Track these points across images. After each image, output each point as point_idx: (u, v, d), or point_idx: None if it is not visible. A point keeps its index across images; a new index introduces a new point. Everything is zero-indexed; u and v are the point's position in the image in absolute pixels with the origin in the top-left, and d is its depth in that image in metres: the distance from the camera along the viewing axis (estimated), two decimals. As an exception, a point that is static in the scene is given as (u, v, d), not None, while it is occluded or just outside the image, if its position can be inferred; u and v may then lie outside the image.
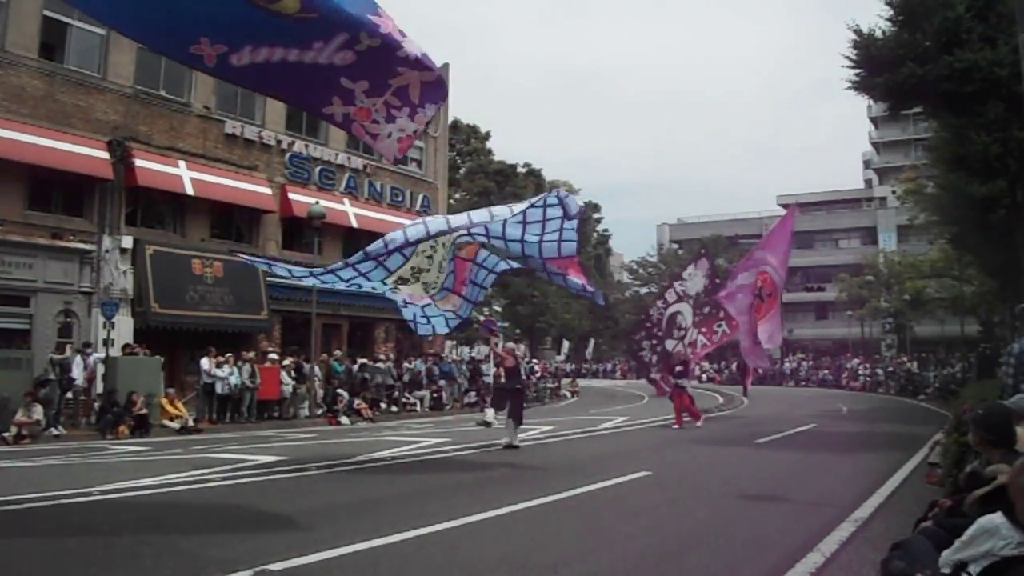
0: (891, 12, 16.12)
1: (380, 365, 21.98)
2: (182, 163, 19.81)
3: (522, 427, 12.54)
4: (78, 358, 15.82)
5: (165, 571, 4.64)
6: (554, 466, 10.19)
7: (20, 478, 8.86)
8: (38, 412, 13.91)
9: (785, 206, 50.95)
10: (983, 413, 4.17)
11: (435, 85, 6.59)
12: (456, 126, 40.57)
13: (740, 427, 16.60)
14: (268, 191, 21.89)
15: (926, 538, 3.51)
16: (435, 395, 23.35)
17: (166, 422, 15.75)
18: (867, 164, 70.10)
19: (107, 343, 16.40)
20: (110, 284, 18.01)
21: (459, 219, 9.71)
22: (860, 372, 38.07)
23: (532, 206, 9.69)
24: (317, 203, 20.59)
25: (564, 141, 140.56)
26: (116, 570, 4.74)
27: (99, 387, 16.15)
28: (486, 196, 40.15)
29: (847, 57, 16.54)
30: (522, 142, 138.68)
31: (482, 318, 30.44)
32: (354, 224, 23.87)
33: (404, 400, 22.51)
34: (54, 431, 14.37)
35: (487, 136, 46.06)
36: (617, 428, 16.19)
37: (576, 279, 10.69)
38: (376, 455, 10.74)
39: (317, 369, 19.69)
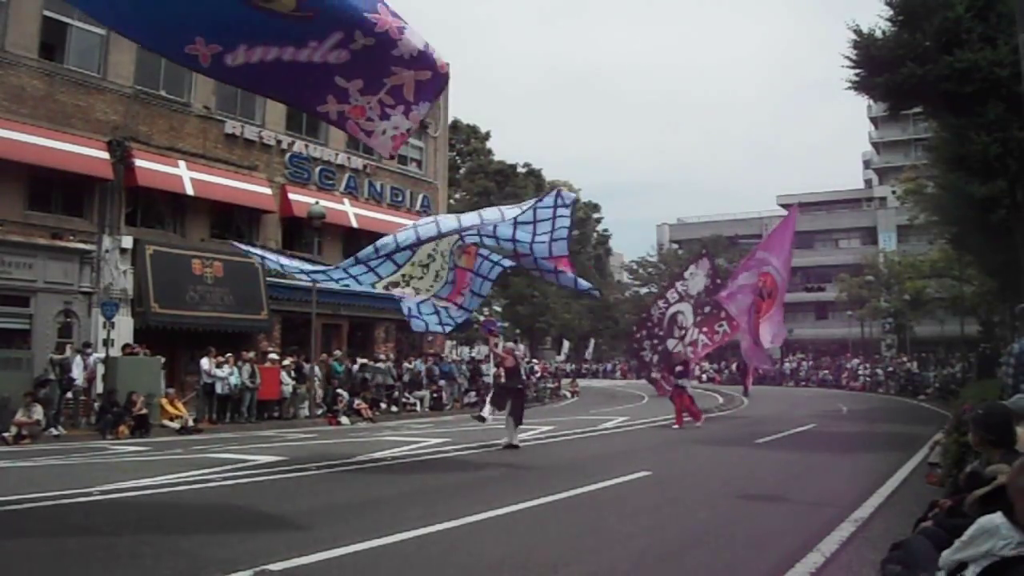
0: (891, 12, 16.13)
1: (380, 365, 21.98)
2: (182, 163, 19.80)
3: (522, 427, 12.54)
4: (78, 358, 15.82)
5: (165, 571, 4.64)
6: (554, 466, 10.19)
7: (20, 478, 8.86)
8: (38, 412, 13.91)
9: (785, 206, 50.99)
10: (983, 413, 4.17)
11: (430, 82, 6.60)
12: (456, 126, 40.56)
13: (740, 427, 16.60)
14: (268, 191, 21.89)
15: (926, 538, 3.51)
16: (435, 395, 23.34)
17: (166, 422, 15.75)
18: (867, 164, 70.10)
19: (107, 343, 16.40)
20: (110, 284, 18.00)
21: (449, 223, 9.67)
22: (860, 372, 38.07)
23: (524, 211, 9.74)
24: (317, 203, 20.60)
25: (564, 141, 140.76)
26: (116, 570, 4.73)
27: (99, 387, 16.15)
28: (486, 196, 40.15)
29: (847, 57, 16.55)
30: (522, 142, 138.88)
31: (482, 318, 30.44)
32: (354, 224, 23.87)
33: (404, 400, 22.51)
34: (54, 431, 14.37)
35: (487, 136, 46.07)
36: (617, 428, 16.19)
37: (568, 274, 10.74)
38: (376, 455, 10.74)
39: (317, 369, 19.69)
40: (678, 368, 17.32)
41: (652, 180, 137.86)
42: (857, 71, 16.60)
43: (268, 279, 21.02)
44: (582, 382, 38.63)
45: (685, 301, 20.26)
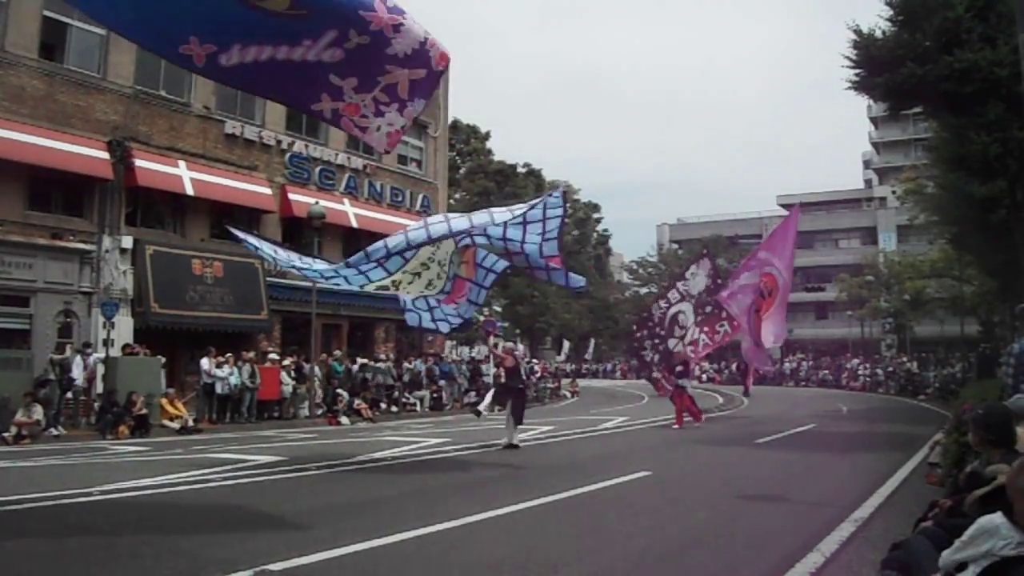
0: (891, 12, 16.13)
1: (380, 365, 21.98)
2: (182, 163, 19.80)
3: (522, 427, 12.54)
4: (78, 358, 15.82)
5: (165, 571, 4.64)
6: (554, 466, 10.19)
7: (20, 478, 8.87)
8: (38, 412, 13.91)
9: (785, 206, 51.01)
10: (983, 413, 4.17)
11: (425, 80, 6.61)
12: (456, 126, 40.54)
13: (740, 427, 16.60)
14: (268, 191, 21.89)
15: (926, 538, 3.51)
16: (435, 395, 23.34)
17: (166, 422, 15.74)
18: (867, 164, 70.10)
19: (107, 343, 16.41)
20: (110, 284, 18.00)
21: (439, 228, 9.64)
22: (860, 372, 38.07)
23: (514, 216, 9.75)
24: (317, 203, 20.60)
25: (564, 141, 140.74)
26: (116, 570, 4.73)
27: (99, 387, 16.15)
28: (486, 196, 40.12)
29: (847, 57, 16.56)
30: (522, 142, 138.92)
31: (482, 318, 30.44)
32: (354, 224, 23.86)
33: (404, 400, 22.51)
34: (54, 431, 14.37)
35: (487, 136, 46.05)
36: (617, 428, 16.19)
37: (559, 271, 10.80)
38: (376, 455, 10.74)
39: (317, 369, 19.69)
40: (678, 368, 17.32)
41: (652, 180, 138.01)
42: (857, 71, 16.60)
43: (268, 279, 21.04)
44: (582, 382, 38.63)
45: (686, 301, 20.26)
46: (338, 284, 10.66)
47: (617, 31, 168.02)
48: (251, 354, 18.74)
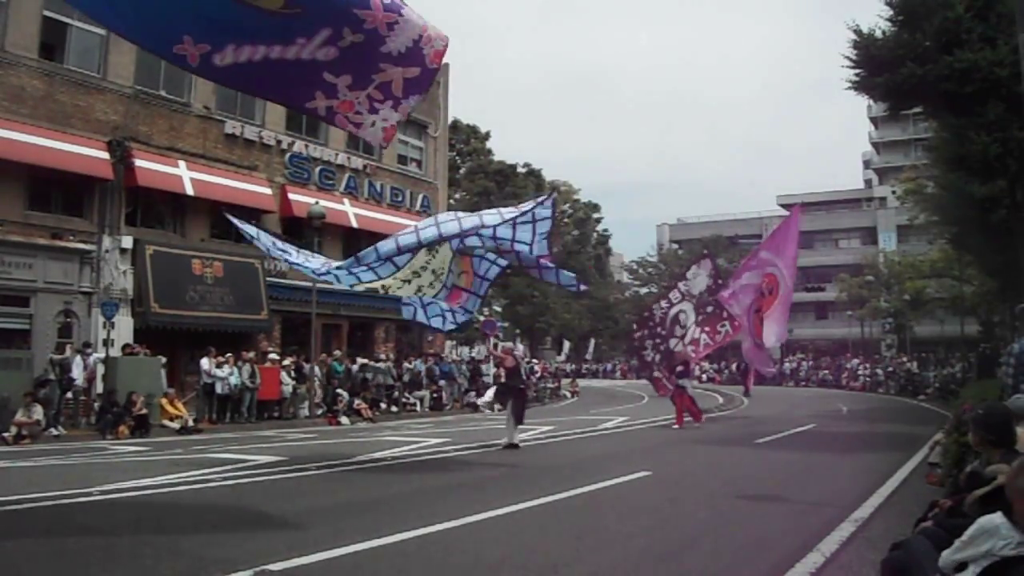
0: (891, 12, 16.14)
1: (380, 365, 21.98)
2: (182, 163, 19.80)
3: (522, 427, 12.54)
4: (78, 358, 15.82)
5: (165, 571, 4.64)
6: (554, 466, 10.19)
7: (20, 478, 8.87)
8: (38, 412, 13.90)
9: (785, 206, 51.00)
10: (983, 413, 4.17)
11: (419, 79, 6.62)
12: (456, 126, 40.53)
13: (740, 427, 16.61)
14: (268, 191, 21.88)
15: (926, 538, 3.50)
16: (435, 395, 23.33)
17: (166, 422, 15.74)
18: (867, 164, 70.11)
19: (107, 343, 16.40)
20: (110, 284, 18.00)
21: (428, 232, 9.62)
22: (860, 372, 38.07)
23: (505, 221, 9.75)
24: (317, 203, 20.59)
25: (564, 141, 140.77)
26: (116, 570, 4.74)
27: (99, 387, 16.15)
28: (486, 196, 40.13)
29: (847, 57, 16.57)
30: (522, 142, 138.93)
31: (482, 318, 30.44)
32: (354, 224, 23.86)
33: (404, 400, 22.50)
34: (54, 431, 14.37)
35: (487, 136, 46.03)
36: (617, 428, 16.19)
37: (551, 268, 10.84)
38: (376, 455, 10.74)
39: (317, 369, 19.69)
40: (679, 368, 17.32)
41: (652, 180, 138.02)
42: (857, 71, 16.61)
43: (268, 279, 21.05)
44: (582, 382, 38.62)
45: (687, 300, 20.28)
46: (328, 281, 10.70)
47: (617, 31, 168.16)
48: (251, 354, 18.74)
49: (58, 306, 17.31)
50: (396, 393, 22.25)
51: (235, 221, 11.59)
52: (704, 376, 41.08)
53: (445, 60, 6.61)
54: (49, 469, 9.81)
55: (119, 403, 14.97)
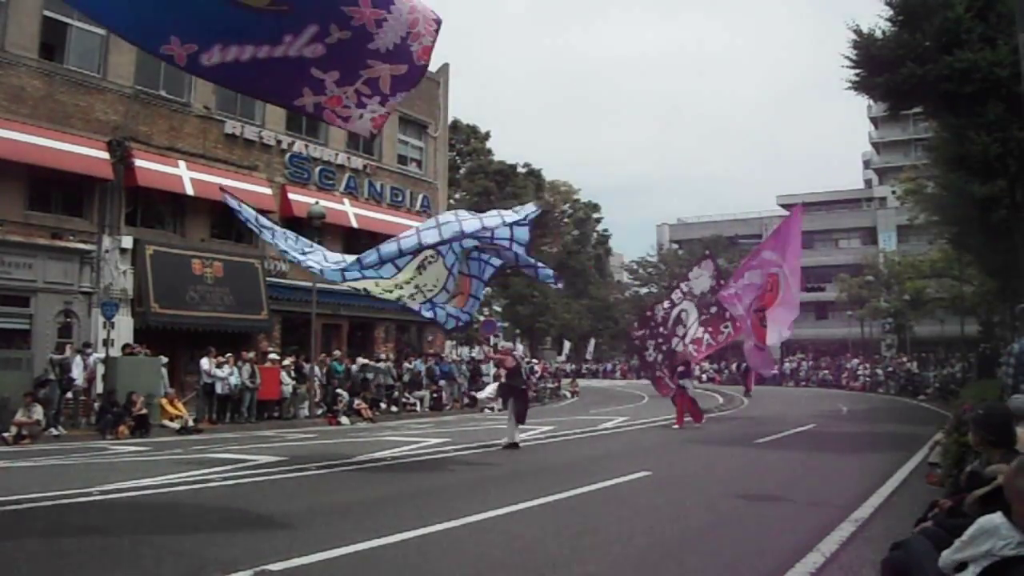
0: (891, 12, 16.14)
1: (380, 365, 21.98)
2: (182, 163, 19.80)
3: (522, 427, 12.54)
4: (78, 358, 15.81)
5: (165, 571, 4.65)
6: (554, 466, 10.19)
7: (20, 478, 8.87)
8: (38, 412, 13.90)
9: (785, 206, 50.99)
10: (983, 413, 4.17)
11: (406, 76, 6.63)
12: (456, 126, 40.51)
13: (740, 427, 16.60)
14: (268, 191, 21.87)
15: (926, 538, 3.50)
16: (435, 395, 23.33)
17: (166, 422, 15.75)
18: (867, 164, 70.12)
19: (107, 343, 16.40)
20: (110, 284, 18.00)
21: (409, 240, 9.58)
22: (860, 372, 38.05)
23: (484, 225, 9.75)
24: (317, 203, 20.58)
25: (564, 141, 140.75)
26: (116, 570, 4.73)
27: (99, 387, 16.15)
28: (486, 196, 40.12)
29: (847, 57, 16.58)
30: (522, 142, 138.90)
31: (482, 318, 30.45)
32: (354, 224, 23.85)
33: (404, 400, 22.50)
34: (54, 431, 14.37)
35: (487, 136, 46.02)
36: (617, 428, 16.19)
37: (532, 265, 10.91)
38: (376, 455, 10.74)
39: (317, 369, 19.69)
40: (680, 368, 17.32)
41: (652, 180, 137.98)
42: (857, 71, 16.61)
43: (268, 279, 21.04)
44: (582, 382, 38.61)
45: (688, 300, 20.31)
46: (313, 271, 10.65)
47: (617, 31, 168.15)
48: (251, 354, 18.74)
49: (58, 306, 17.31)
50: (396, 393, 22.25)
51: (231, 202, 11.33)
52: (704, 376, 41.08)
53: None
54: (49, 469, 9.81)
55: (119, 403, 14.98)
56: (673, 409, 16.67)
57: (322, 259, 10.12)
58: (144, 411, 15.02)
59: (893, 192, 44.64)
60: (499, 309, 45.65)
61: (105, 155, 18.09)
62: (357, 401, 19.44)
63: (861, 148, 73.43)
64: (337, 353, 21.46)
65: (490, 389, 13.28)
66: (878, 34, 16.26)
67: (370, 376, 21.11)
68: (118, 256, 18.26)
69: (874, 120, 60.71)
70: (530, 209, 10.36)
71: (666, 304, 20.98)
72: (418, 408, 22.48)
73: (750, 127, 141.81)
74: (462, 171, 44.12)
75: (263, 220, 10.86)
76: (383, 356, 23.37)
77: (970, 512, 3.48)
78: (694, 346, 19.88)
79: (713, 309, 20.03)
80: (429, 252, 10.09)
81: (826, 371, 42.04)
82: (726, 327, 20.15)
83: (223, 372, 17.28)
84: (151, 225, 19.85)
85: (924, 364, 35.14)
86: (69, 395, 15.64)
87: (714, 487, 8.42)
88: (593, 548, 5.34)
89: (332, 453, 10.99)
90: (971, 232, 19.93)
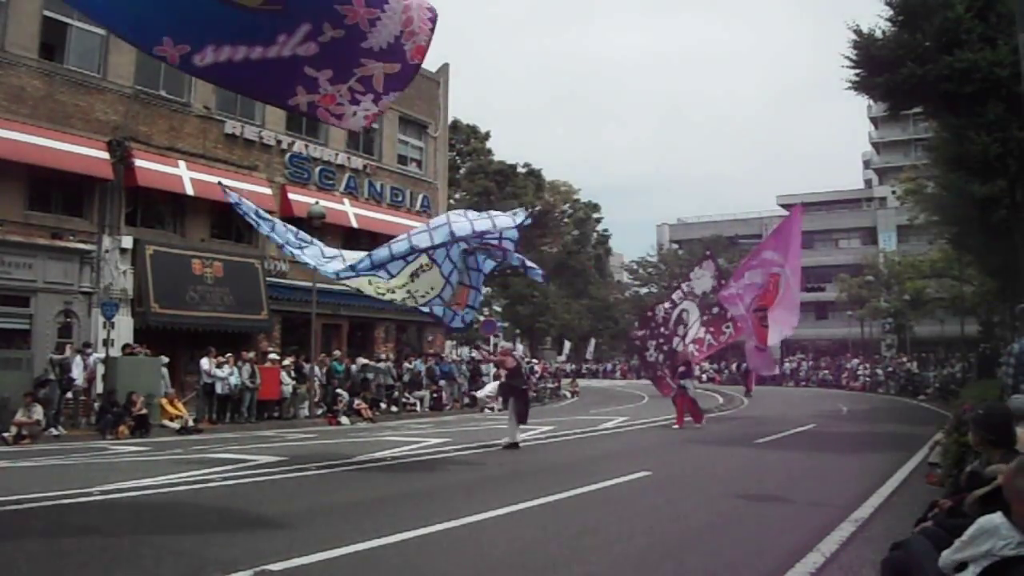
0: (891, 12, 16.14)
1: (380, 365, 21.98)
2: (182, 163, 19.79)
3: (523, 427, 12.54)
4: (78, 358, 15.81)
5: (165, 571, 4.64)
6: (554, 466, 10.19)
7: (20, 478, 8.87)
8: (38, 412, 13.90)
9: (785, 206, 50.98)
10: (983, 413, 4.17)
11: (399, 74, 6.64)
12: (456, 126, 40.53)
13: (740, 427, 16.60)
14: (268, 191, 21.85)
15: (926, 538, 3.51)
16: (435, 395, 23.33)
17: (166, 422, 15.74)
18: (867, 164, 70.13)
19: (107, 343, 16.40)
20: (110, 284, 18.00)
21: (401, 245, 9.55)
22: (860, 372, 38.05)
23: (474, 229, 9.71)
24: (317, 203, 20.57)
25: (564, 141, 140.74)
26: (116, 570, 4.73)
27: (99, 387, 16.15)
28: (486, 196, 40.14)
29: (847, 57, 16.57)
30: (522, 142, 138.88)
31: (482, 318, 30.45)
32: (354, 224, 23.84)
33: (404, 400, 22.50)
34: (54, 431, 14.37)
35: (487, 136, 46.05)
36: (617, 428, 16.18)
37: (521, 264, 10.97)
38: (376, 455, 10.74)
39: (317, 369, 19.68)
40: (681, 369, 17.31)
41: (652, 180, 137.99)
42: (857, 71, 16.61)
43: (268, 279, 21.03)
44: (582, 382, 38.60)
45: (689, 299, 20.32)
46: (308, 267, 10.67)
47: (617, 30, 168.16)
48: (251, 354, 18.73)
49: (58, 306, 17.30)
50: (396, 393, 22.24)
51: (231, 196, 11.25)
52: (704, 376, 41.10)
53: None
54: (49, 469, 9.80)
55: (119, 403, 14.97)
56: (673, 409, 16.67)
57: (319, 254, 10.15)
58: (144, 411, 15.02)
59: (893, 192, 44.66)
60: (499, 309, 45.63)
61: (105, 155, 18.09)
62: (357, 401, 19.43)
63: (861, 148, 73.55)
64: (337, 353, 21.46)
65: (490, 387, 13.25)
66: (878, 34, 16.27)
67: (370, 376, 21.11)
68: (118, 256, 18.26)
69: (874, 120, 60.72)
70: (521, 217, 10.35)
71: (667, 304, 21.02)
72: (418, 408, 22.48)
73: (750, 127, 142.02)
74: (462, 171, 44.14)
75: (262, 212, 10.86)
76: (383, 356, 23.37)
77: (970, 512, 3.48)
78: (695, 346, 19.90)
79: (715, 309, 20.06)
80: (424, 260, 10.05)
81: (826, 371, 42.05)
82: (727, 327, 20.17)
83: (223, 372, 17.28)
84: (151, 225, 19.85)
85: (924, 364, 35.14)
86: (69, 395, 15.63)
87: (714, 487, 8.42)
88: (593, 548, 5.34)
89: (332, 453, 10.99)
90: (971, 232, 19.93)
